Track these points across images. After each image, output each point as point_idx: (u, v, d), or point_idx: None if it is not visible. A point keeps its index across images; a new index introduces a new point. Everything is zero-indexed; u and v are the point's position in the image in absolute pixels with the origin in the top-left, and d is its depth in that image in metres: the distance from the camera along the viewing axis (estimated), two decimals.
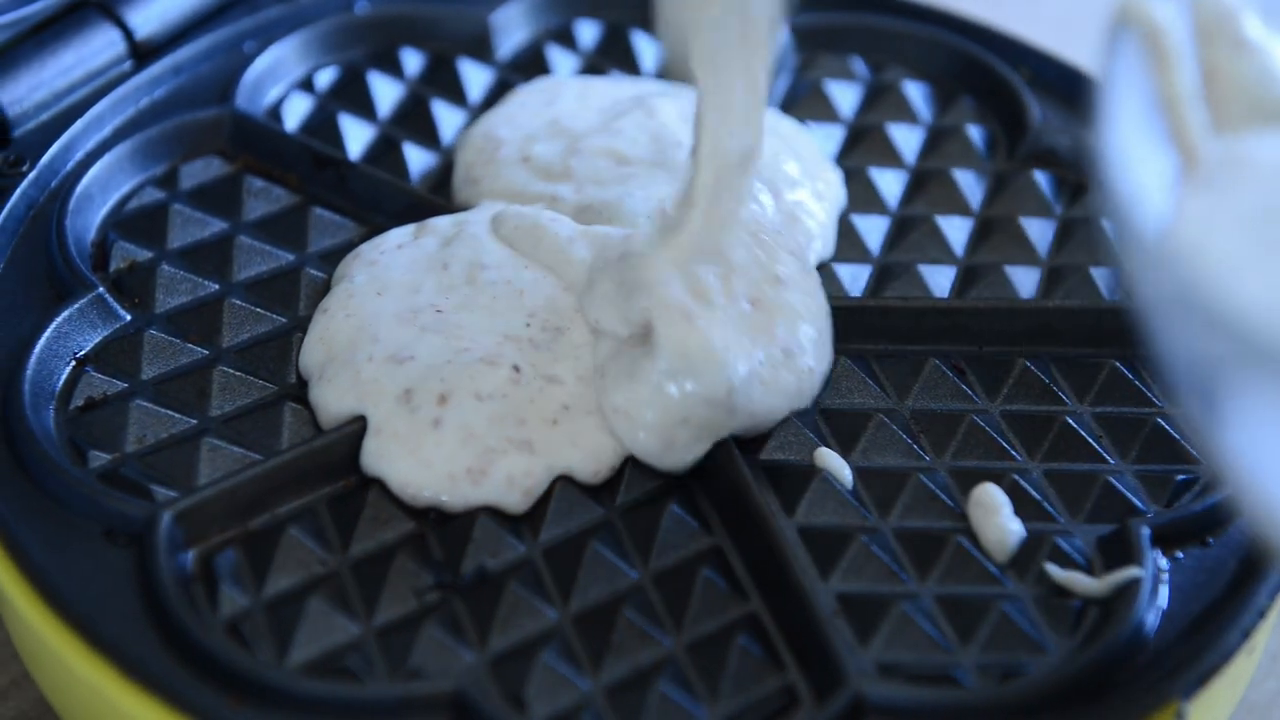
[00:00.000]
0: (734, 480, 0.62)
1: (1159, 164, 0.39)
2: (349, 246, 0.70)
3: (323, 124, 0.75)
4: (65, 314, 0.66)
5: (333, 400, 0.63)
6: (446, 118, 0.76)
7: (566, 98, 0.75)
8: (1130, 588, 0.59)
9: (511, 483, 0.61)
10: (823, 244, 0.71)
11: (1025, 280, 0.70)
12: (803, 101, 0.78)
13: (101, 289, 0.67)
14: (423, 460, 0.61)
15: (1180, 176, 0.40)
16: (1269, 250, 0.37)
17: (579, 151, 0.72)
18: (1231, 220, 0.38)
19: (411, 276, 0.67)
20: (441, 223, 0.69)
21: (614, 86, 0.76)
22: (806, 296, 0.65)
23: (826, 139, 0.76)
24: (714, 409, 0.62)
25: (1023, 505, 0.62)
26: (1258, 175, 0.39)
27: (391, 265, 0.67)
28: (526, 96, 0.76)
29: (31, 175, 0.71)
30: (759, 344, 0.63)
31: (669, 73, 0.63)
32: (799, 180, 0.72)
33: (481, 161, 0.73)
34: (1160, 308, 0.35)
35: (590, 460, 0.62)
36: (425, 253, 0.68)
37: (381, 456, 0.62)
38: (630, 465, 0.62)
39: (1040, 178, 0.74)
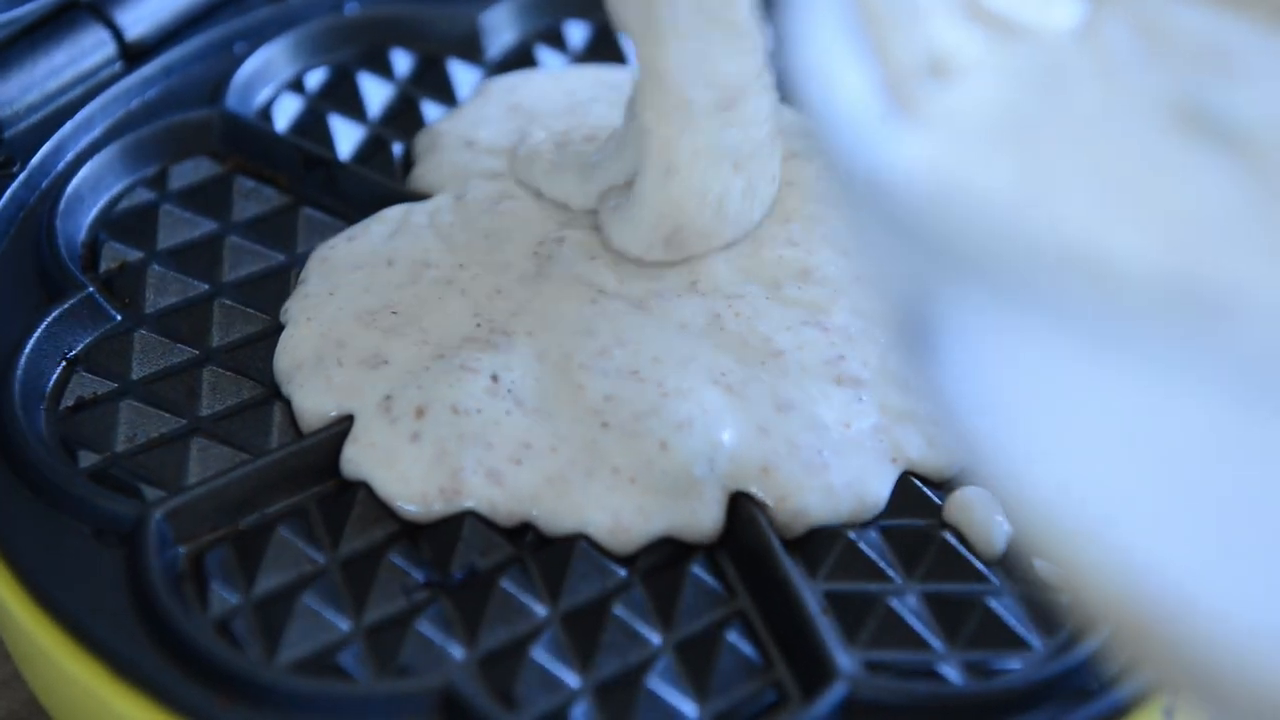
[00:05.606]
0: None
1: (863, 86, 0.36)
2: None
3: (313, 124, 0.75)
4: (55, 314, 0.66)
5: (310, 405, 0.63)
6: (436, 118, 0.76)
7: (534, 84, 0.75)
8: None
9: (495, 509, 0.61)
10: None
11: None
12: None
13: (92, 289, 0.67)
14: (399, 474, 0.61)
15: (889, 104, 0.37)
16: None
17: (534, 134, 0.72)
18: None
19: (359, 275, 0.67)
20: (392, 212, 0.69)
21: (587, 74, 0.76)
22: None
23: None
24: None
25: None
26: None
27: (340, 263, 0.67)
28: (490, 85, 0.76)
29: (22, 176, 0.71)
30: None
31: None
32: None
33: (422, 159, 0.73)
34: (871, 233, 0.33)
35: (549, 523, 0.61)
36: (371, 246, 0.68)
37: (360, 465, 0.62)
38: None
39: None
